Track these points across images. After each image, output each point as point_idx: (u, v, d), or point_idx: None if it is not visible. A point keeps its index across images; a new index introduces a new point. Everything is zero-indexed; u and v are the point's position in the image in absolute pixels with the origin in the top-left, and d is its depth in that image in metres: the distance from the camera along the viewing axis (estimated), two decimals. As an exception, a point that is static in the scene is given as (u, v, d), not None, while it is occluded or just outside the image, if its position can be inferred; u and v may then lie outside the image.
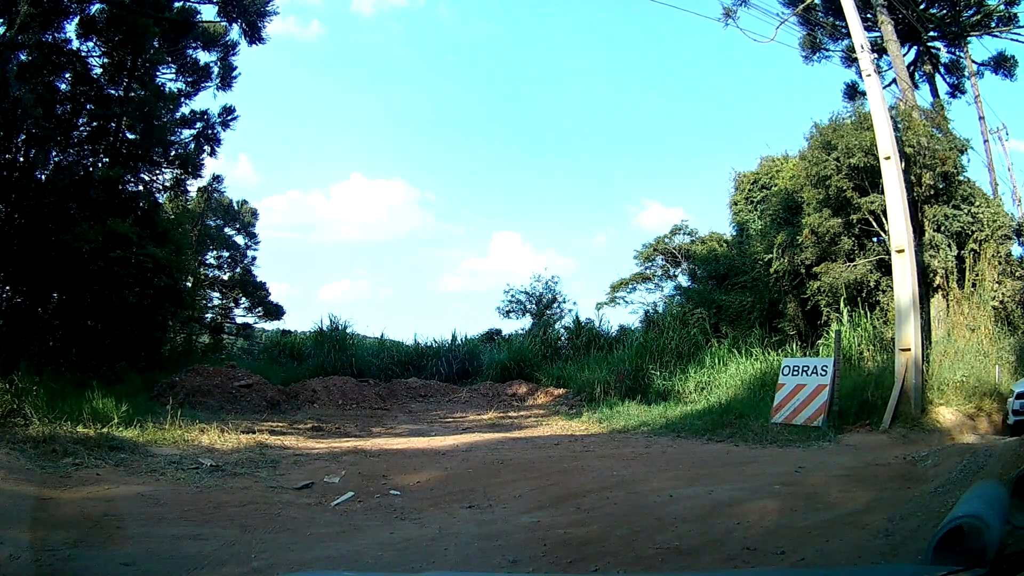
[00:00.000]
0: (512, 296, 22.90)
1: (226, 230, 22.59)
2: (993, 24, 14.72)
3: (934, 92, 15.35)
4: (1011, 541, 1.37)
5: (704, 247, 19.80)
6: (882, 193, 10.52)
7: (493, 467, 6.83)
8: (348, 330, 18.38)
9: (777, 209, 15.34)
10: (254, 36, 13.43)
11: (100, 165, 13.05)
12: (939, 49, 15.79)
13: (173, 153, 14.46)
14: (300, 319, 49.92)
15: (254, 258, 22.81)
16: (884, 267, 11.55)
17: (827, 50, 15.95)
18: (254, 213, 23.65)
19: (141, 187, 14.14)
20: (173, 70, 14.37)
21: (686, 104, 49.84)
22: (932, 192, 11.90)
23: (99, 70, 13.10)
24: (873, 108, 10.39)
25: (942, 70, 15.93)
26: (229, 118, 15.04)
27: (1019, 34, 14.54)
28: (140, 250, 11.32)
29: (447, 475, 6.51)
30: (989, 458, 5.39)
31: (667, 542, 3.94)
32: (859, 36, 10.58)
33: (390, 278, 50.51)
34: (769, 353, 12.15)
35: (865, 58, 10.38)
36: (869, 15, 13.05)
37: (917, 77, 15.25)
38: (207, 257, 21.58)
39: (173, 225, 14.33)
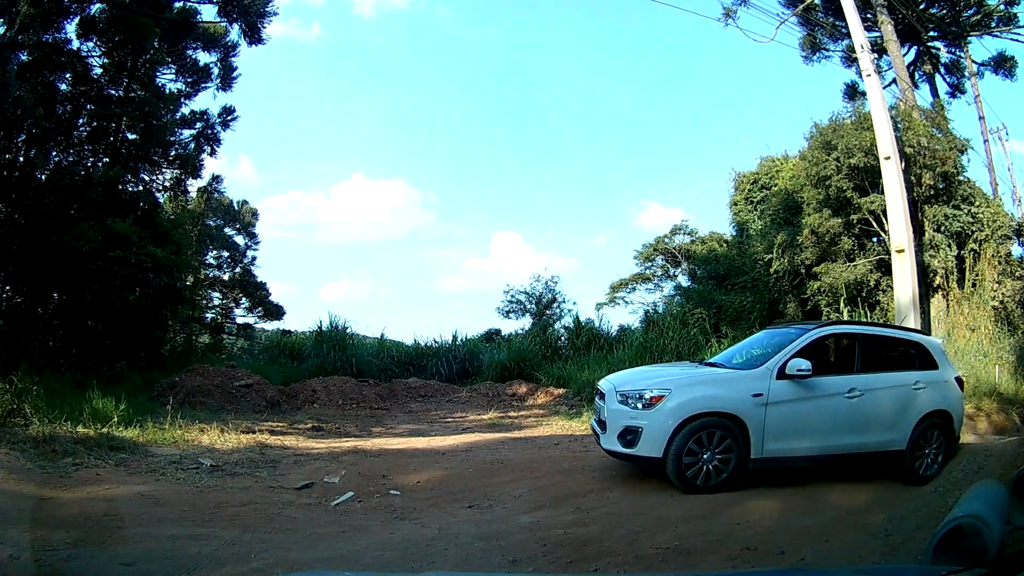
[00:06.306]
0: (512, 296, 22.82)
1: (226, 230, 22.54)
2: (993, 24, 14.73)
3: (934, 92, 15.37)
4: (1011, 541, 1.37)
5: (704, 247, 19.75)
6: (882, 193, 10.54)
7: (493, 467, 6.83)
8: (348, 330, 18.32)
9: (777, 209, 15.34)
10: (254, 37, 13.44)
11: (100, 165, 13.04)
12: (939, 49, 15.80)
13: (173, 153, 14.44)
14: (300, 319, 49.76)
15: (254, 258, 22.75)
16: (884, 267, 11.55)
17: (827, 50, 15.98)
18: (254, 213, 23.60)
19: (141, 187, 14.12)
20: (173, 70, 14.35)
21: (686, 104, 49.68)
22: (932, 192, 11.91)
23: (99, 70, 13.08)
24: (873, 108, 10.42)
25: (942, 70, 15.94)
26: (229, 118, 15.02)
27: (1019, 34, 14.56)
28: (140, 250, 11.30)
29: (447, 475, 6.50)
30: (989, 458, 5.41)
31: (667, 542, 3.94)
32: (859, 36, 10.60)
33: (391, 278, 50.36)
34: (769, 353, 12.12)
35: (865, 58, 10.40)
36: (869, 15, 13.06)
37: (917, 77, 15.26)
38: (207, 257, 21.53)
39: (173, 225, 14.30)
